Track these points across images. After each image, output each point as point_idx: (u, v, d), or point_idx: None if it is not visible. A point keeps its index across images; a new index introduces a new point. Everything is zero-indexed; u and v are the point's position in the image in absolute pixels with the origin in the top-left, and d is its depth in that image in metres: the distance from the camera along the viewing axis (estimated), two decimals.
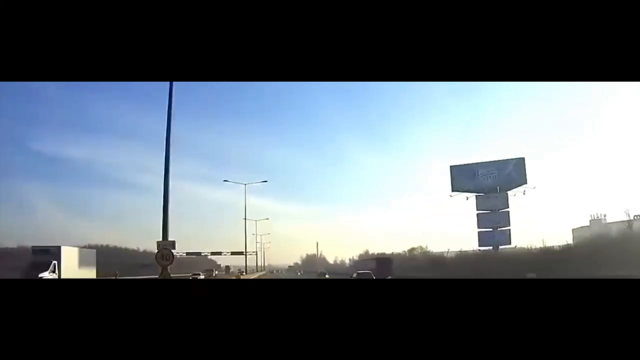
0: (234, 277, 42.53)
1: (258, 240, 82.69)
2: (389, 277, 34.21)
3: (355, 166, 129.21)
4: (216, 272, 69.67)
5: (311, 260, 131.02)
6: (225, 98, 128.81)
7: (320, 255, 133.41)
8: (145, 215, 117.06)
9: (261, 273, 79.78)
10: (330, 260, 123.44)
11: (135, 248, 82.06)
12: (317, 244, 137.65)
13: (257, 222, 71.72)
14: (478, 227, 52.20)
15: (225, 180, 57.35)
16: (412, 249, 70.48)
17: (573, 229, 53.54)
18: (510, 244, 50.68)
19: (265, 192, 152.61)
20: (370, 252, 79.57)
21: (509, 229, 51.10)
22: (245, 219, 57.85)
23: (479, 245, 52.00)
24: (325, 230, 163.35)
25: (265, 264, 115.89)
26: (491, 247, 50.48)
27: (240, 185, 56.64)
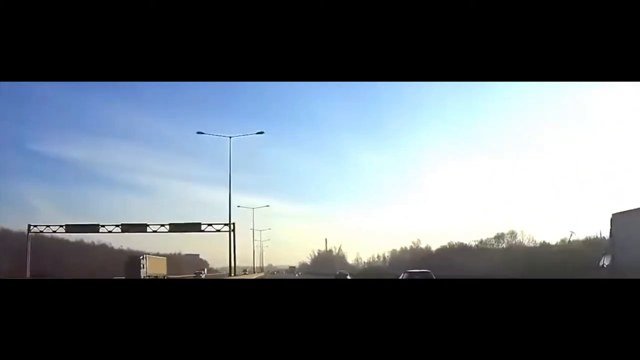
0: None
1: (257, 237, 77.41)
2: None
3: (358, 166, 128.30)
4: (147, 275, 42.98)
5: (325, 259, 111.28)
6: (225, 98, 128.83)
7: (338, 252, 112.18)
8: (143, 216, 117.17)
9: (259, 274, 71.62)
10: (350, 260, 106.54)
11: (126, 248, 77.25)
12: (326, 240, 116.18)
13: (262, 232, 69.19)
14: None
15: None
16: (500, 236, 51.78)
17: None
18: None
19: (264, 192, 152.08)
20: (423, 244, 69.65)
21: None
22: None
23: None
24: (332, 230, 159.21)
25: (266, 264, 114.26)
26: None
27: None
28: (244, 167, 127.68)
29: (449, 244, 60.22)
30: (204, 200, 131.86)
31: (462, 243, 57.25)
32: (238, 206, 55.91)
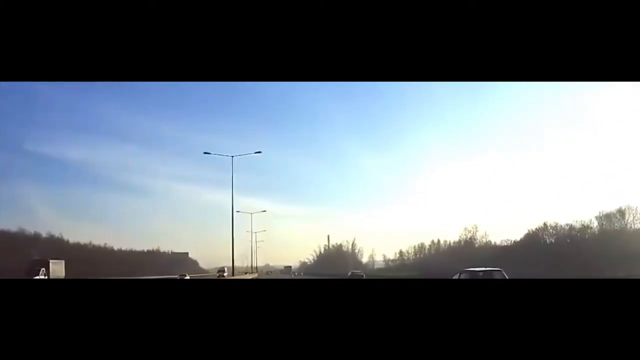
0: None
1: (249, 231, 71.51)
2: None
3: (357, 166, 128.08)
4: None
5: (334, 258, 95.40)
6: (225, 98, 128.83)
7: (351, 248, 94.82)
8: (143, 217, 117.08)
9: (253, 275, 65.69)
10: (364, 259, 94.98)
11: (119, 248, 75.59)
12: (329, 237, 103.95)
13: (252, 214, 64.60)
14: None
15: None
16: (585, 226, 43.97)
17: None
18: None
19: (263, 193, 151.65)
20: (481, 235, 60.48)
21: None
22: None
23: None
24: (332, 231, 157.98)
25: (263, 264, 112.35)
26: None
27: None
28: (243, 167, 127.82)
29: (537, 227, 50.53)
30: (205, 200, 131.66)
31: (559, 225, 46.41)
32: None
